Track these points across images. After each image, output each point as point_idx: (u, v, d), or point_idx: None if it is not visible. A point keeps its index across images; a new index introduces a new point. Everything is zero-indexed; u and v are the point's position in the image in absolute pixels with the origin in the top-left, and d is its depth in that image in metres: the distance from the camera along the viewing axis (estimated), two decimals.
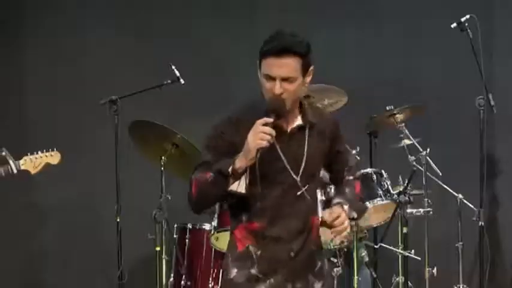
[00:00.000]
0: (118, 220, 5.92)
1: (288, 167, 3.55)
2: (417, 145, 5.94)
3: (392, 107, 6.04)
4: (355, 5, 7.14)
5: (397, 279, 5.96)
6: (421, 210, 5.92)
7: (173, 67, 6.05)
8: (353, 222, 3.78)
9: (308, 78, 3.61)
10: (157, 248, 5.95)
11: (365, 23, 7.10)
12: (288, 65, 3.50)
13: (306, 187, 3.58)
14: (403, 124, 6.05)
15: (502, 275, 6.90)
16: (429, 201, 5.95)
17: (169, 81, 6.07)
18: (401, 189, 5.79)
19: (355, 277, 5.60)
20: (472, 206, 5.96)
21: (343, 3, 7.17)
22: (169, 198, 5.96)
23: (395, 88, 6.97)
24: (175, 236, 5.99)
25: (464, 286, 6.07)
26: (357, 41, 7.06)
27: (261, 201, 3.55)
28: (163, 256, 5.98)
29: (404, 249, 5.88)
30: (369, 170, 5.91)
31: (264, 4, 7.21)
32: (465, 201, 6.02)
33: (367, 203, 5.75)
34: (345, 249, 5.81)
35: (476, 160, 5.89)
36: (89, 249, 6.99)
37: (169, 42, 7.05)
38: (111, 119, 5.96)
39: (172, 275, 5.98)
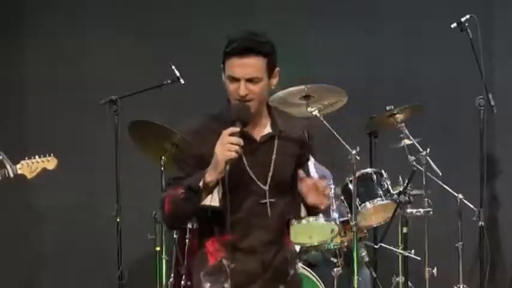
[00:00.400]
0: (118, 220, 5.92)
1: (255, 178, 3.48)
2: (417, 145, 5.93)
3: (392, 107, 6.04)
4: (355, 5, 7.14)
5: (397, 279, 5.95)
6: (421, 210, 5.91)
7: (173, 67, 6.05)
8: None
9: (274, 80, 3.55)
10: (157, 248, 5.95)
11: (365, 23, 7.10)
12: (251, 65, 3.43)
13: (271, 196, 3.49)
14: (403, 124, 6.05)
15: (502, 275, 6.90)
16: (429, 201, 5.94)
17: (169, 81, 6.07)
18: (401, 189, 5.79)
19: (355, 277, 5.59)
20: (472, 206, 5.96)
21: (343, 3, 7.17)
22: None
23: (395, 88, 6.97)
24: (175, 236, 5.98)
25: (464, 286, 6.06)
26: (357, 41, 7.06)
27: (232, 213, 3.46)
28: (163, 256, 5.98)
29: (404, 249, 5.88)
30: (369, 170, 5.90)
31: (264, 4, 7.21)
32: (465, 201, 6.01)
33: (367, 203, 5.76)
34: (345, 249, 5.81)
35: (476, 160, 5.90)
36: (89, 249, 6.99)
37: (169, 42, 7.05)
38: (111, 119, 5.96)
39: (172, 275, 5.97)
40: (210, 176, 3.38)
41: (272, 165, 3.51)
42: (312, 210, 3.59)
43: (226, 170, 3.35)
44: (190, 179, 3.42)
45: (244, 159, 3.46)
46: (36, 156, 5.54)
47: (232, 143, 3.35)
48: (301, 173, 3.52)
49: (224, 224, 3.47)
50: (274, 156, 3.51)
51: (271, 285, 3.54)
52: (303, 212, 3.63)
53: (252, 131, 3.51)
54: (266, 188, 3.50)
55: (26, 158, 5.59)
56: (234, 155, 3.34)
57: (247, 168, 3.47)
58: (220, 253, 3.52)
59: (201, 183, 3.38)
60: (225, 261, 3.51)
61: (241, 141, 3.37)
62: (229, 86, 3.47)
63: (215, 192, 3.42)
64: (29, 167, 5.54)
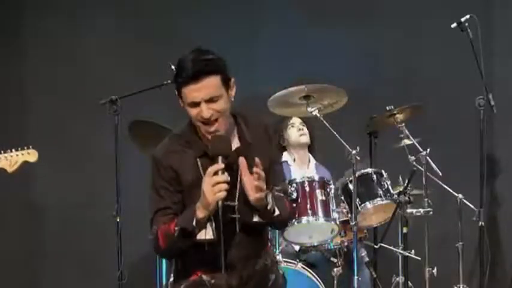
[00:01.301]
0: (118, 220, 5.91)
1: (211, 228, 3.45)
2: (417, 145, 5.93)
3: (392, 107, 6.04)
4: (355, 5, 7.14)
5: (397, 279, 5.95)
6: (421, 210, 5.91)
7: (173, 67, 6.04)
8: (271, 219, 3.57)
9: (232, 92, 3.54)
10: None
11: (365, 23, 7.10)
12: (208, 86, 3.42)
13: (240, 212, 3.47)
14: (403, 124, 6.05)
15: (502, 275, 6.90)
16: (429, 201, 5.94)
17: (169, 81, 6.07)
18: (401, 189, 5.79)
19: (355, 277, 5.59)
20: (472, 206, 5.96)
21: (343, 3, 7.17)
22: None
23: (395, 88, 6.97)
24: None
25: (464, 286, 6.06)
26: (357, 41, 7.06)
27: (208, 233, 3.47)
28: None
29: (404, 249, 5.88)
30: (369, 170, 5.90)
31: (264, 4, 7.21)
32: (465, 201, 6.01)
33: (367, 203, 5.75)
34: (345, 249, 5.80)
35: (476, 160, 5.89)
36: (89, 249, 6.98)
37: (169, 42, 7.04)
38: (111, 119, 5.96)
39: (172, 275, 5.96)
40: (202, 213, 3.39)
41: (238, 179, 3.47)
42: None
43: (219, 207, 3.36)
44: (181, 219, 3.42)
45: (212, 220, 3.45)
46: (14, 150, 5.47)
47: (219, 182, 3.35)
48: (242, 160, 3.44)
49: (201, 242, 3.46)
50: (239, 176, 3.46)
51: None
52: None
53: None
54: (235, 203, 3.48)
55: (2, 152, 5.52)
56: (223, 194, 3.35)
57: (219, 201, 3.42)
58: (199, 270, 3.56)
59: (194, 222, 3.39)
60: (204, 277, 3.54)
61: (227, 178, 3.36)
62: (191, 112, 3.46)
63: (208, 226, 3.43)
64: (8, 161, 5.45)
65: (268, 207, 3.48)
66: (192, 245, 3.48)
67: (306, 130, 6.27)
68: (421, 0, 7.11)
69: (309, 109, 5.75)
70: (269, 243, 3.68)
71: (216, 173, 3.36)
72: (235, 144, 3.55)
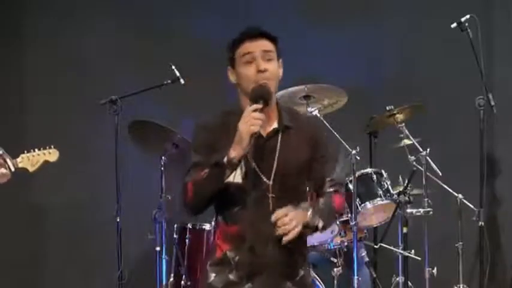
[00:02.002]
0: (118, 220, 5.92)
1: (259, 171, 3.53)
2: (417, 145, 5.93)
3: (392, 107, 6.04)
4: (355, 5, 7.14)
5: (397, 279, 5.95)
6: (421, 210, 5.91)
7: (173, 67, 6.05)
8: (317, 232, 3.65)
9: (280, 70, 3.65)
10: (157, 248, 5.95)
11: (365, 23, 7.10)
12: (266, 44, 3.58)
13: (274, 191, 3.52)
14: (403, 124, 6.05)
15: (502, 275, 6.90)
16: (429, 201, 5.94)
17: (169, 81, 6.07)
18: (401, 189, 5.79)
19: (355, 277, 5.60)
20: (472, 206, 5.96)
21: (343, 3, 7.17)
22: (169, 198, 5.96)
23: (395, 88, 6.97)
24: (175, 236, 5.99)
25: (464, 286, 6.06)
26: (357, 40, 7.06)
27: (238, 205, 3.53)
28: (163, 256, 5.98)
29: (404, 249, 5.88)
30: (369, 170, 5.91)
31: (264, 4, 7.21)
32: (465, 201, 6.01)
33: (367, 203, 5.76)
34: (345, 249, 5.81)
35: (476, 160, 5.89)
36: (89, 249, 6.99)
37: (169, 42, 7.05)
38: (111, 119, 5.96)
39: (172, 275, 5.98)
40: (234, 151, 3.43)
41: (276, 160, 3.55)
42: None
43: (251, 144, 3.43)
44: (214, 157, 3.47)
45: (250, 153, 3.50)
46: (36, 149, 5.49)
47: (255, 118, 3.43)
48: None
49: (230, 215, 3.54)
50: (277, 152, 3.55)
51: (277, 281, 3.56)
52: None
53: (261, 126, 3.54)
54: (270, 182, 3.53)
55: (25, 151, 5.54)
56: (257, 128, 3.43)
57: (253, 163, 3.52)
58: (225, 245, 3.57)
59: (225, 159, 3.43)
60: (229, 254, 3.56)
61: (263, 116, 3.45)
62: (246, 71, 3.57)
63: (238, 169, 3.47)
64: (30, 160, 5.48)
65: (310, 226, 3.56)
66: (217, 191, 3.49)
67: None
68: (421, 0, 7.11)
69: (309, 109, 5.75)
70: (302, 239, 3.64)
71: (254, 111, 3.46)
72: (274, 125, 3.61)
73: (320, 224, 3.60)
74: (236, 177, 3.47)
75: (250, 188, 3.52)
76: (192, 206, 3.56)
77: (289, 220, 3.47)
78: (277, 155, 3.55)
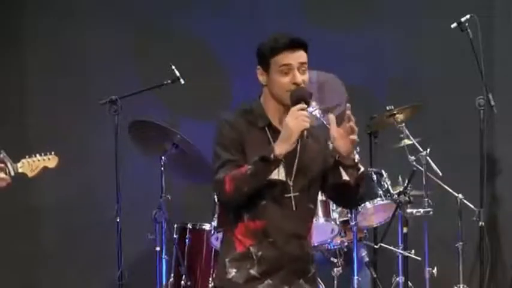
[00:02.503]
0: (118, 220, 5.92)
1: (283, 169, 3.57)
2: (417, 145, 5.93)
3: (393, 107, 6.04)
4: (355, 5, 7.14)
5: (397, 279, 5.95)
6: (421, 210, 5.92)
7: (173, 67, 6.05)
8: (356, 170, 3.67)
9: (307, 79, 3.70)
10: (157, 248, 5.95)
11: (365, 23, 7.10)
12: (302, 55, 3.65)
13: (295, 191, 3.60)
14: (403, 124, 6.05)
15: (502, 275, 6.90)
16: (429, 201, 5.95)
17: (169, 81, 6.07)
18: (401, 189, 5.79)
19: (355, 277, 5.60)
20: (472, 206, 5.96)
21: (343, 3, 7.17)
22: (169, 198, 5.96)
23: (395, 88, 6.97)
24: (175, 236, 5.99)
25: (464, 286, 6.07)
26: (357, 41, 7.06)
27: (263, 200, 3.57)
28: (163, 256, 5.98)
29: (404, 249, 5.88)
30: (369, 170, 5.90)
31: (264, 4, 7.21)
32: (465, 201, 6.02)
33: (367, 203, 5.76)
34: (345, 249, 5.81)
35: (476, 160, 5.89)
36: (89, 249, 6.98)
37: (169, 42, 7.05)
38: (111, 119, 5.96)
39: (172, 275, 5.98)
40: (280, 148, 3.49)
41: (297, 160, 3.60)
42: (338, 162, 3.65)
43: (300, 140, 3.50)
44: (259, 155, 3.49)
45: (283, 161, 3.55)
46: (37, 155, 5.51)
47: (305, 116, 3.51)
48: (331, 117, 3.65)
49: (254, 210, 3.57)
50: (298, 151, 3.60)
51: (292, 278, 3.61)
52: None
53: (281, 126, 3.60)
54: (291, 182, 3.59)
55: (27, 157, 5.56)
56: (307, 124, 3.50)
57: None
58: (248, 240, 3.60)
59: (272, 156, 3.48)
60: (252, 249, 3.59)
61: (311, 117, 3.58)
62: (280, 80, 3.62)
63: (281, 167, 3.53)
64: (30, 166, 5.51)
65: (356, 161, 3.63)
66: (259, 187, 3.52)
67: None
68: (421, 0, 7.10)
69: (309, 109, 5.75)
70: (311, 238, 3.74)
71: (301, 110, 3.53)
72: None
73: (361, 168, 3.65)
74: (280, 174, 3.53)
75: (275, 185, 3.57)
76: (232, 200, 3.56)
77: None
78: (297, 157, 3.60)
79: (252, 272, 3.58)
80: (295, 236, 3.61)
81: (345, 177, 3.61)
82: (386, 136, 6.40)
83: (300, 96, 3.57)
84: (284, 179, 3.55)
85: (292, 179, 3.60)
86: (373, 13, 7.13)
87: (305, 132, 3.51)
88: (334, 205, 5.63)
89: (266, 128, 3.63)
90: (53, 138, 6.99)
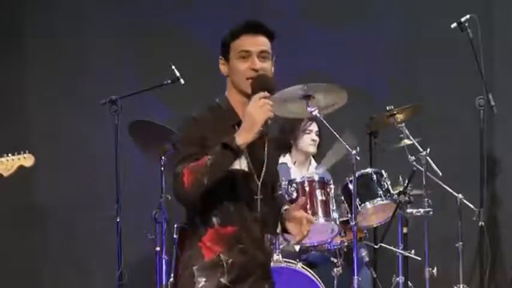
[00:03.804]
0: (118, 220, 5.92)
1: (253, 171, 3.49)
2: (417, 145, 5.93)
3: (393, 107, 6.04)
4: (355, 5, 7.14)
5: (397, 279, 5.95)
6: (421, 210, 5.91)
7: (173, 67, 6.05)
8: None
9: (273, 67, 3.60)
10: (157, 248, 5.95)
11: (365, 23, 7.10)
12: (262, 41, 3.52)
13: (261, 193, 3.51)
14: (403, 124, 6.05)
15: (502, 275, 6.90)
16: (429, 201, 5.94)
17: (169, 81, 6.07)
18: (401, 189, 5.79)
19: (355, 277, 5.59)
20: (472, 206, 5.96)
21: (343, 3, 7.17)
22: (169, 198, 5.96)
23: (396, 88, 6.97)
24: (175, 236, 5.98)
25: (464, 286, 6.07)
26: (357, 40, 7.06)
27: (232, 204, 3.47)
28: (163, 256, 5.98)
29: (404, 249, 5.88)
30: (369, 170, 5.90)
31: (264, 4, 7.21)
32: (465, 201, 6.02)
33: (367, 203, 5.75)
34: (345, 249, 5.81)
35: (476, 160, 5.90)
36: (89, 249, 6.99)
37: (169, 42, 7.05)
38: (111, 119, 5.96)
39: (172, 275, 5.98)
40: (243, 138, 3.35)
41: (266, 161, 3.52)
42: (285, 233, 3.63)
43: (263, 129, 3.37)
44: (219, 144, 3.36)
45: (246, 152, 3.46)
46: (10, 154, 5.42)
47: (269, 103, 3.39)
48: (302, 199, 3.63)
49: (224, 215, 3.46)
50: (266, 154, 3.53)
51: (261, 284, 3.53)
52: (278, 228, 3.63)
53: None
54: (259, 183, 3.50)
55: (1, 156, 5.47)
56: (271, 113, 3.37)
57: (248, 160, 3.48)
58: (218, 247, 3.47)
59: (233, 144, 3.35)
60: (222, 256, 3.46)
61: (274, 104, 3.40)
62: (239, 66, 3.50)
63: (243, 157, 3.43)
64: (4, 165, 5.41)
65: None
66: (218, 178, 3.37)
67: (318, 140, 6.25)
68: (421, 0, 7.11)
69: (309, 109, 5.75)
70: None
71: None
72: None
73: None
74: (242, 164, 3.43)
75: (244, 187, 3.48)
76: (190, 194, 3.38)
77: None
78: (266, 157, 3.52)
79: (223, 280, 3.45)
80: (263, 241, 3.53)
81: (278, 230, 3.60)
82: (386, 136, 6.39)
83: (263, 84, 3.44)
84: (247, 169, 3.44)
85: (261, 181, 3.50)
86: (373, 13, 7.13)
87: (269, 121, 3.38)
88: (334, 205, 5.63)
89: (236, 127, 3.46)
90: (52, 138, 7.00)
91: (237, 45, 3.51)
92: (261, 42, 3.51)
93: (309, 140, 6.24)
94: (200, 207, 3.48)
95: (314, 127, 6.24)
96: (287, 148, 6.27)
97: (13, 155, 5.38)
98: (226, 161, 3.37)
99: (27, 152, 5.41)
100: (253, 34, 3.51)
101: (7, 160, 5.36)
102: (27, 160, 5.40)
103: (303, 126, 6.23)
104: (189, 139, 3.46)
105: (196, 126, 3.48)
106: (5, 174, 5.41)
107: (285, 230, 3.61)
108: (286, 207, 3.63)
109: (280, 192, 3.80)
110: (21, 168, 5.40)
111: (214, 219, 3.48)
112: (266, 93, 3.40)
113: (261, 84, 3.44)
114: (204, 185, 3.36)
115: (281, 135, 3.72)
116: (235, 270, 3.47)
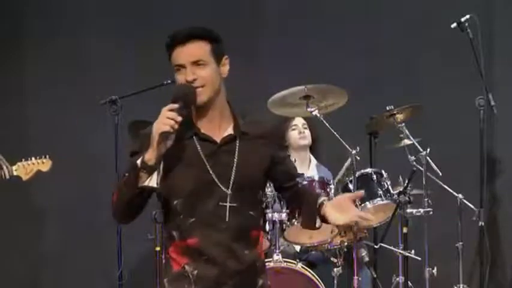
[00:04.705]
0: None
1: (217, 180, 3.36)
2: (417, 145, 5.93)
3: (393, 107, 6.04)
4: (355, 5, 7.14)
5: (397, 279, 5.95)
6: (421, 210, 5.91)
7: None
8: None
9: (223, 69, 3.47)
10: (157, 248, 5.95)
11: (365, 23, 7.10)
12: (194, 49, 3.40)
13: (233, 201, 3.36)
14: (403, 124, 6.05)
15: (502, 275, 6.90)
16: (429, 201, 5.94)
17: (169, 81, 6.07)
18: (401, 189, 5.79)
19: (355, 277, 5.59)
20: (472, 206, 5.96)
21: (343, 3, 7.17)
22: None
23: (395, 88, 6.97)
24: None
25: (464, 286, 6.07)
26: (357, 40, 7.06)
27: (192, 216, 3.38)
28: (163, 256, 5.98)
29: (404, 249, 5.88)
30: (369, 170, 5.90)
31: (264, 3, 7.21)
32: (465, 201, 6.02)
33: (367, 203, 5.75)
34: (345, 249, 5.81)
35: (476, 160, 5.90)
36: (89, 249, 6.98)
37: None
38: (111, 119, 5.96)
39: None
40: (148, 153, 3.27)
41: (234, 168, 3.39)
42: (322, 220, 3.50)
43: (163, 145, 3.26)
44: (131, 161, 3.33)
45: (205, 161, 3.37)
46: (33, 158, 5.51)
47: (168, 117, 3.28)
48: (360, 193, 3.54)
49: (183, 228, 3.39)
50: (236, 159, 3.39)
51: None
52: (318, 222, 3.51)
53: (212, 132, 3.42)
54: (229, 191, 3.37)
55: (23, 160, 5.57)
56: (168, 128, 3.25)
57: (210, 170, 3.36)
58: (183, 259, 3.41)
59: (139, 161, 3.28)
60: (187, 268, 3.40)
61: (178, 118, 3.28)
62: (178, 79, 3.42)
63: (155, 173, 3.31)
64: (25, 169, 5.51)
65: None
66: (135, 195, 3.33)
67: (307, 132, 6.25)
68: (421, 0, 7.11)
69: (309, 109, 5.75)
70: (260, 247, 3.53)
71: (170, 111, 3.31)
72: (229, 131, 3.46)
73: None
74: (152, 181, 3.31)
75: (207, 198, 3.36)
76: (114, 212, 3.42)
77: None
78: (235, 163, 3.38)
79: None
80: (232, 251, 3.39)
81: (318, 224, 3.48)
82: (386, 136, 6.39)
83: (177, 94, 3.34)
84: (155, 185, 3.29)
85: (230, 187, 3.36)
86: (372, 13, 7.13)
87: (171, 136, 3.26)
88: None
89: (194, 137, 3.39)
90: (52, 138, 6.99)
91: (172, 59, 3.47)
92: (192, 52, 3.40)
93: (296, 135, 6.25)
94: (163, 221, 3.48)
95: (299, 121, 6.25)
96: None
97: (35, 158, 5.48)
98: (135, 179, 3.29)
99: (47, 156, 5.51)
100: (182, 45, 3.42)
101: (28, 164, 5.52)
102: (45, 165, 5.60)
103: (287, 125, 6.24)
104: (131, 155, 3.42)
105: (141, 143, 3.39)
106: (25, 178, 5.52)
107: (325, 220, 3.48)
108: (323, 199, 3.49)
109: (301, 184, 3.64)
110: (39, 172, 5.52)
111: (174, 233, 3.44)
112: (173, 105, 3.31)
113: (175, 94, 3.37)
114: (125, 203, 3.37)
115: (272, 135, 3.54)
116: (202, 281, 3.39)
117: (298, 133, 6.23)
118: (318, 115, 5.72)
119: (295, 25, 7.07)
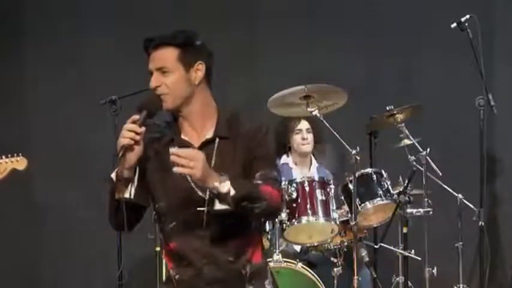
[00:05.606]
0: None
1: (193, 185, 3.31)
2: (417, 145, 5.93)
3: (392, 107, 6.04)
4: (355, 5, 7.14)
5: (397, 279, 5.95)
6: (421, 210, 5.91)
7: None
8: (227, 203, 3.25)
9: (195, 74, 3.40)
10: (157, 248, 5.95)
11: (365, 23, 7.10)
12: (160, 56, 3.40)
13: (210, 205, 3.26)
14: (403, 124, 6.05)
15: (502, 275, 6.90)
16: (429, 201, 5.94)
17: None
18: (401, 189, 5.78)
19: (355, 277, 5.59)
20: (472, 206, 5.96)
21: (343, 3, 7.17)
22: None
23: (396, 88, 6.97)
24: None
25: (464, 286, 6.07)
26: (357, 40, 7.06)
27: (172, 221, 3.39)
28: (163, 256, 5.97)
29: (404, 249, 5.88)
30: (369, 170, 5.90)
31: (264, 3, 7.21)
32: (465, 201, 6.02)
33: (367, 203, 5.75)
34: (345, 249, 5.81)
35: (476, 160, 5.89)
36: (89, 249, 6.98)
37: None
38: (111, 119, 5.96)
39: None
40: (120, 166, 3.30)
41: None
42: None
43: (123, 157, 3.25)
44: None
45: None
46: (3, 156, 5.34)
47: (128, 130, 3.27)
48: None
49: (166, 232, 3.42)
50: (213, 163, 3.33)
51: None
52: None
53: (192, 136, 3.40)
54: (206, 196, 3.30)
55: None
56: (127, 141, 3.24)
57: (187, 176, 3.27)
58: (170, 263, 3.45)
59: (113, 174, 3.30)
60: (172, 272, 3.43)
61: (137, 129, 3.26)
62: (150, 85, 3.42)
63: (130, 185, 3.32)
64: None
65: (221, 190, 3.21)
66: (115, 207, 3.36)
67: (310, 137, 6.24)
68: (421, 0, 7.11)
69: (309, 109, 5.75)
70: (255, 252, 3.44)
71: (133, 123, 3.29)
72: (209, 135, 3.41)
73: (231, 192, 3.19)
74: (127, 193, 3.32)
75: (185, 203, 3.34)
76: (108, 220, 3.49)
77: (187, 160, 3.16)
78: (212, 166, 3.28)
79: None
80: (217, 256, 3.35)
81: (217, 206, 3.23)
82: (386, 136, 6.39)
83: (142, 103, 3.35)
84: (129, 197, 3.29)
85: (208, 192, 3.27)
86: (372, 12, 7.13)
87: (137, 146, 3.24)
88: (334, 205, 5.63)
89: (172, 143, 3.35)
90: (52, 138, 6.99)
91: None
92: (157, 58, 3.40)
93: (299, 140, 6.23)
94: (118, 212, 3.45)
95: (303, 125, 6.23)
96: (282, 149, 6.28)
97: (6, 157, 5.28)
98: (112, 191, 3.32)
99: (20, 155, 5.31)
100: (152, 50, 3.45)
101: (0, 163, 5.28)
102: (20, 163, 5.27)
103: (291, 127, 6.22)
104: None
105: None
106: None
107: None
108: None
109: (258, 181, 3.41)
110: (14, 171, 5.31)
111: (161, 236, 3.50)
112: (135, 116, 3.30)
113: (140, 103, 3.38)
114: (112, 214, 3.43)
115: (256, 135, 3.38)
116: (183, 286, 3.39)
117: (302, 139, 6.22)
118: (318, 115, 5.72)
119: (295, 25, 7.07)
